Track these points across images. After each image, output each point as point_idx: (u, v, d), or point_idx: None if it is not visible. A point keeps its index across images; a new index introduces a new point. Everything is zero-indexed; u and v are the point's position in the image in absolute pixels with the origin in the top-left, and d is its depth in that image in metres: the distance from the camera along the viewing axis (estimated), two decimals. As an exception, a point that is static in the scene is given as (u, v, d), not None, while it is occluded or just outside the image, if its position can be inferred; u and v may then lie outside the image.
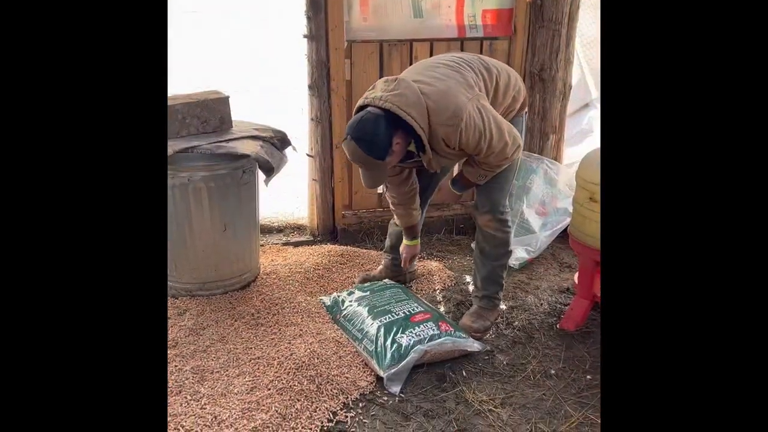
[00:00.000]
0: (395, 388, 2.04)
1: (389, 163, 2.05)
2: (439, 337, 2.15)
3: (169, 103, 2.39)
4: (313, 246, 3.06)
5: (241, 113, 2.70)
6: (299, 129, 3.08)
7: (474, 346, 2.22)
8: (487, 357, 2.25)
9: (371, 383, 2.07)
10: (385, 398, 2.02)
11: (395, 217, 2.51)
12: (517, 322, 2.47)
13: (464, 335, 2.23)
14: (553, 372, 2.18)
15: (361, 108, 2.04)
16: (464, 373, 2.15)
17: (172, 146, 2.31)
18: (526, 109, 2.39)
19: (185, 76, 3.49)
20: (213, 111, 2.47)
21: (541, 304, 2.62)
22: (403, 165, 2.22)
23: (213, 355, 2.15)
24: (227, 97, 2.51)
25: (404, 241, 2.54)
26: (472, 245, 2.46)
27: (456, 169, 2.54)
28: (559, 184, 3.12)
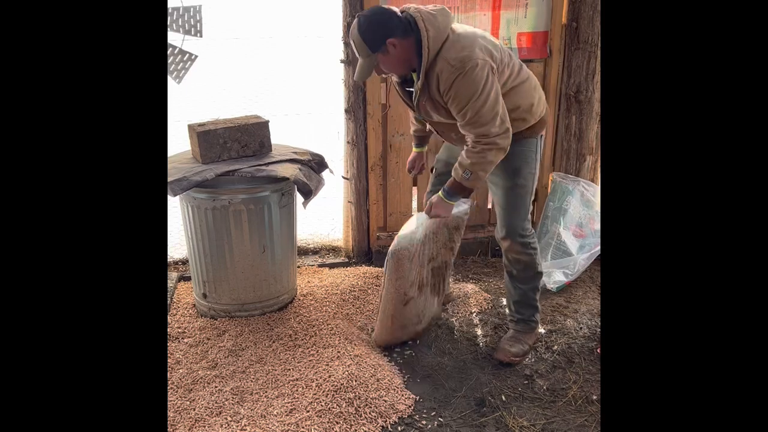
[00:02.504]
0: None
1: (380, 64, 2.01)
2: None
3: (211, 127, 2.45)
4: (349, 268, 3.08)
5: (280, 136, 2.75)
6: (335, 152, 3.13)
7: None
8: (526, 382, 2.22)
9: (409, 407, 2.06)
10: (424, 422, 2.00)
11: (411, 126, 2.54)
12: (556, 347, 2.43)
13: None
14: (594, 398, 2.13)
15: None
16: (504, 398, 2.13)
17: (214, 170, 2.36)
18: (543, 133, 2.27)
19: (228, 101, 3.58)
20: (253, 135, 2.52)
21: (581, 327, 2.58)
22: (402, 97, 2.21)
23: (252, 377, 2.17)
24: (267, 122, 2.56)
25: (413, 149, 2.58)
26: None
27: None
28: (597, 206, 3.08)
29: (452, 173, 2.12)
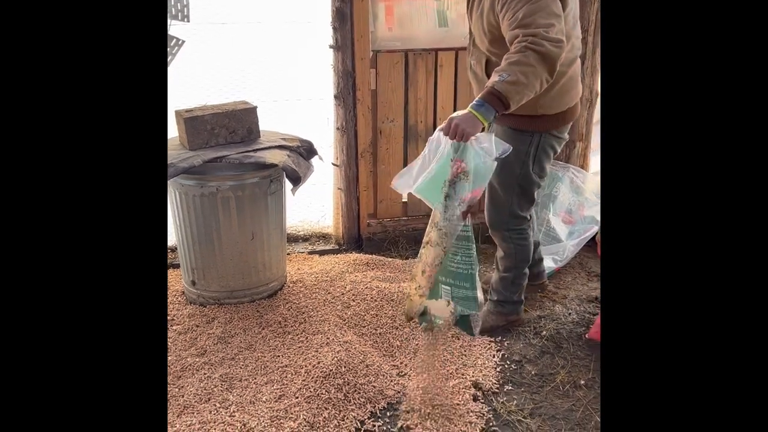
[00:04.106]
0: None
1: None
2: None
3: (199, 113, 2.43)
4: (339, 255, 3.07)
5: (269, 123, 2.72)
6: (324, 138, 3.11)
7: None
8: (515, 367, 2.23)
9: (398, 392, 2.07)
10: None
11: None
12: (545, 332, 2.44)
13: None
14: (582, 382, 2.15)
15: None
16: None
17: (201, 156, 2.34)
18: (552, 132, 2.15)
19: (215, 87, 3.54)
20: (241, 121, 2.50)
21: (569, 313, 2.59)
22: None
23: (241, 363, 2.17)
24: (255, 108, 2.53)
25: None
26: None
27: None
28: (586, 192, 3.09)
29: (490, 80, 1.80)
